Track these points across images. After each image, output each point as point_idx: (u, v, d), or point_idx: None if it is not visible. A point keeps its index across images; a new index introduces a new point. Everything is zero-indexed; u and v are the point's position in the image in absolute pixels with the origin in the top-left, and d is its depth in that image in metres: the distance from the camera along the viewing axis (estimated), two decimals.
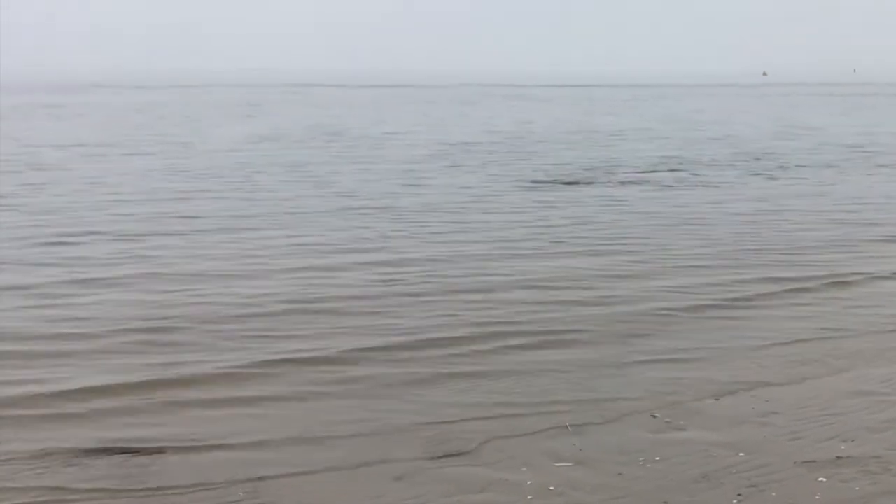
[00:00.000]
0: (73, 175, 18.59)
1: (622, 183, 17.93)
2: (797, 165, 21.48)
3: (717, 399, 6.24)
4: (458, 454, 5.39)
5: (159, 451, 5.37)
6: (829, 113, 46.61)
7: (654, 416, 5.93)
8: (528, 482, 5.01)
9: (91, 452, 5.36)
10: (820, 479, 5.03)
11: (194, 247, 11.19)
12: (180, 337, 7.52)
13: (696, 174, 19.55)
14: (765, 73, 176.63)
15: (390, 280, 9.44)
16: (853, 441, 5.53)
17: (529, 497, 4.86)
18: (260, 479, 5.06)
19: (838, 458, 5.28)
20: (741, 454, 5.34)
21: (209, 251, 10.91)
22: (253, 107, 51.64)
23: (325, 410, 6.03)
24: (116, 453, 5.34)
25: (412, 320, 7.98)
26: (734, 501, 4.78)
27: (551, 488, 4.94)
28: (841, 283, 9.41)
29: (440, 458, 5.34)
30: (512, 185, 17.47)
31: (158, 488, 4.93)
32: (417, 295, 8.83)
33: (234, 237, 11.83)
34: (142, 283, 9.27)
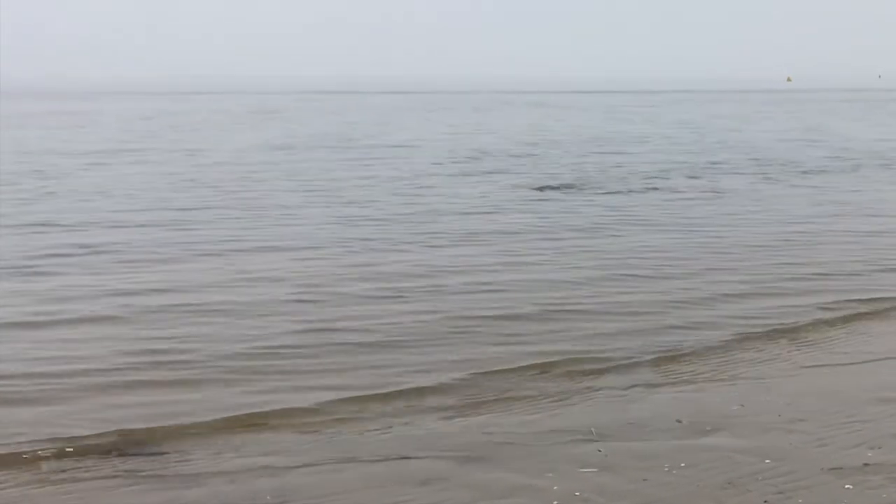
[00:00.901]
0: (73, 184, 18.43)
1: (644, 190, 17.87)
2: (820, 171, 21.39)
3: (742, 406, 6.24)
4: (483, 460, 5.41)
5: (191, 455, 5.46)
6: (855, 119, 46.25)
7: (680, 422, 5.93)
8: (554, 487, 5.02)
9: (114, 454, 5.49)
10: (847, 486, 5.01)
11: (196, 270, 10.63)
12: (187, 374, 7.08)
13: (714, 181, 19.46)
14: (789, 79, 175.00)
15: (417, 312, 8.77)
16: (880, 448, 5.50)
17: (555, 502, 4.87)
18: (285, 482, 5.13)
19: (865, 465, 5.26)
20: (767, 461, 5.33)
21: (210, 276, 10.29)
22: (262, 115, 51.45)
23: (352, 432, 5.94)
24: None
25: (437, 353, 7.56)
26: None
27: (577, 494, 4.96)
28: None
29: (465, 463, 5.37)
30: (530, 195, 17.39)
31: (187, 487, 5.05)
32: (445, 322, 8.43)
33: (237, 259, 11.22)
34: (143, 316, 8.60)
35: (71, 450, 5.56)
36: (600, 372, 7.05)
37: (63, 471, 5.30)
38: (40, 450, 5.57)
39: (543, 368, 7.14)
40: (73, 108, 59.17)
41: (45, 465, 5.37)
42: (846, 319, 8.61)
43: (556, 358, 7.37)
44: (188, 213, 14.82)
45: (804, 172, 21.31)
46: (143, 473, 5.26)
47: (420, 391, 6.66)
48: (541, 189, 18.01)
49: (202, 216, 14.59)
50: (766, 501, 4.84)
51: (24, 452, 5.54)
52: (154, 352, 7.55)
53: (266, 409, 6.30)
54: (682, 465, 5.29)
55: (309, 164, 23.20)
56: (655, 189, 18.12)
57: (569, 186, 18.39)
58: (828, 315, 8.71)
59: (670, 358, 7.42)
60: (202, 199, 16.48)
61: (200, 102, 70.47)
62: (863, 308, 8.95)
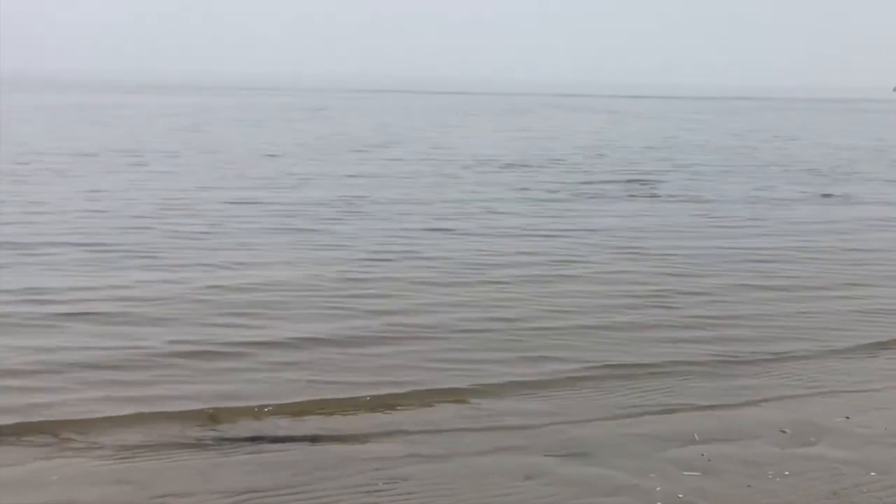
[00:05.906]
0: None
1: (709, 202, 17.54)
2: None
3: (848, 418, 6.21)
4: (587, 455, 5.56)
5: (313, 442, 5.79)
6: None
7: (784, 432, 5.95)
8: (657, 489, 5.13)
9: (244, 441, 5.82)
10: None
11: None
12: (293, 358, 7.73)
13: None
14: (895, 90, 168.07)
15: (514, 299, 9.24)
16: None
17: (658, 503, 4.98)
18: (397, 472, 5.36)
19: None
20: (872, 473, 5.34)
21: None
22: (305, 112, 51.32)
23: (453, 426, 6.13)
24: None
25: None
26: None
27: (680, 496, 5.05)
28: None
29: (567, 460, 5.51)
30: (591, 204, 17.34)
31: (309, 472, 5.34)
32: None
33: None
34: None
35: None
36: (703, 377, 7.09)
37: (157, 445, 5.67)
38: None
39: (647, 371, 7.24)
40: (99, 101, 60.33)
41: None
42: None
43: (659, 362, 7.47)
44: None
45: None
46: (260, 454, 5.58)
47: (519, 386, 6.85)
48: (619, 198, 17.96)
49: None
50: None
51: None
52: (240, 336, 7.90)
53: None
54: (786, 473, 5.34)
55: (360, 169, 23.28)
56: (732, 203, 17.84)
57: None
58: None
59: (776, 367, 7.41)
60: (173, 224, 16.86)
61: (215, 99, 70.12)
62: None
